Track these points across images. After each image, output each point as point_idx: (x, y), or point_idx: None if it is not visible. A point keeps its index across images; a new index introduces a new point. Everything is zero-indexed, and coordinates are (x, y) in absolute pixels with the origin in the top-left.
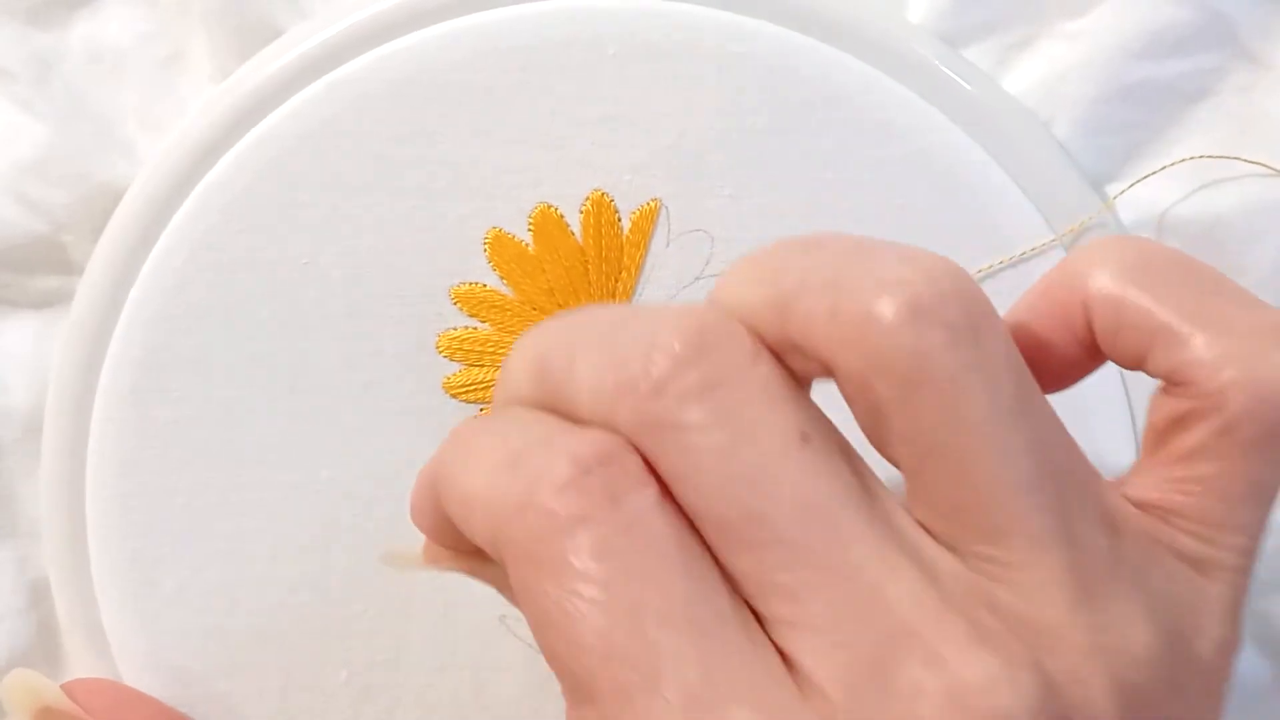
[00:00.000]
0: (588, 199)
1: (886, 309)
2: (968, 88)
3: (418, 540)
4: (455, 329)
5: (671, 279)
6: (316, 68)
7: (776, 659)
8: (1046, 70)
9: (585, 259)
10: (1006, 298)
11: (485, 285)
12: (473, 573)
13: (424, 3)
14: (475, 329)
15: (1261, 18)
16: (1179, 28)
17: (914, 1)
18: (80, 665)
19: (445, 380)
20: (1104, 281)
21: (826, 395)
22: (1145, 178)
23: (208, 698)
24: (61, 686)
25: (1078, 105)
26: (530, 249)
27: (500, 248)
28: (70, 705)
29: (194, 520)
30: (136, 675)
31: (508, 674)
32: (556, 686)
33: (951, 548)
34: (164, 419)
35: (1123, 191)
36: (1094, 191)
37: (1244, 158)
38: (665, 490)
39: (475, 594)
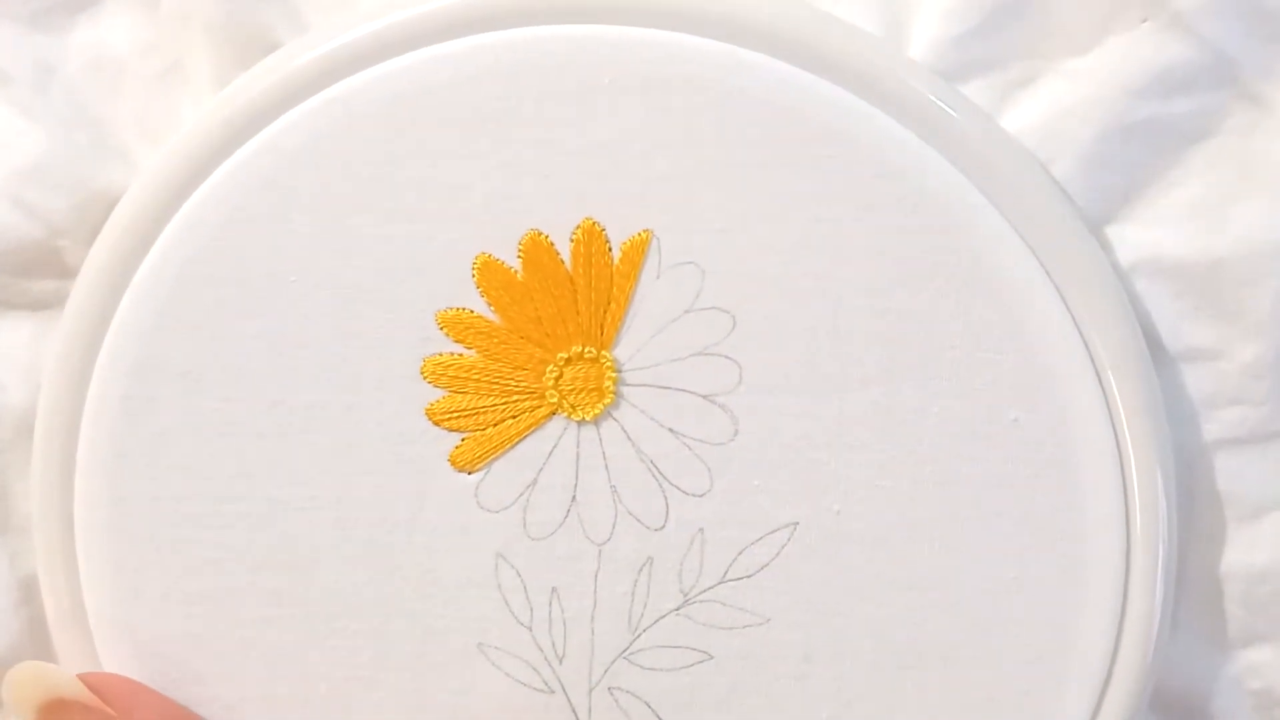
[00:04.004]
0: (579, 227)
1: None
2: (966, 127)
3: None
4: (441, 354)
5: (660, 311)
6: (312, 84)
7: None
8: (1048, 108)
9: (574, 288)
10: (996, 342)
11: (472, 311)
12: None
13: (421, 23)
14: (461, 355)
15: (1264, 59)
16: (1181, 68)
17: (914, 37)
18: (69, 663)
19: (428, 407)
20: None
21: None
22: None
23: (190, 703)
24: (79, 677)
25: (1079, 144)
26: (519, 276)
27: (489, 274)
28: (88, 695)
29: (179, 529)
30: None
31: (487, 702)
32: (535, 716)
33: None
34: (152, 428)
35: None
36: (1092, 235)
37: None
38: None
39: (454, 620)
